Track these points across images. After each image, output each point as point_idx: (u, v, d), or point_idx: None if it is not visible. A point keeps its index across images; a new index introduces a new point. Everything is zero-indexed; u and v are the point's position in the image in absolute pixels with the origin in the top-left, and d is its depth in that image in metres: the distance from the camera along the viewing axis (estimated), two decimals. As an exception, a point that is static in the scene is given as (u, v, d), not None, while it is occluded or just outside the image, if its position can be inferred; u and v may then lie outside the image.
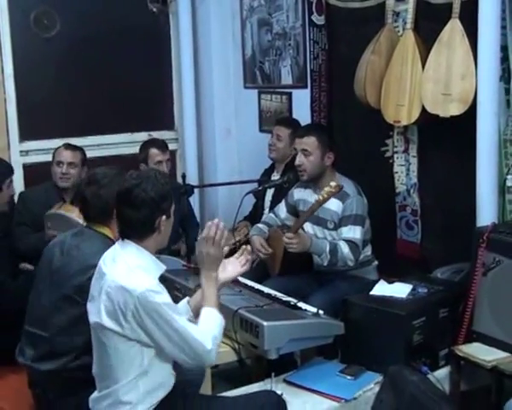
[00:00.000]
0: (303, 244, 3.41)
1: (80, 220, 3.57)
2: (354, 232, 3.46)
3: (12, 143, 4.65)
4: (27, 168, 4.70)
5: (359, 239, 3.47)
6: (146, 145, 4.43)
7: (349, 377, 2.89)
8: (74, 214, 3.72)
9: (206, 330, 2.42)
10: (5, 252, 3.61)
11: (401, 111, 3.52)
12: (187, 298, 2.68)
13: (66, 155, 4.16)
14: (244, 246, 2.76)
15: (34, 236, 3.99)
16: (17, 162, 4.60)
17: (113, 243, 2.59)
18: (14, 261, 3.84)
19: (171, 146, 4.69)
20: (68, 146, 4.22)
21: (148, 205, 2.40)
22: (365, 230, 3.56)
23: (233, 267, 2.67)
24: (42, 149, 4.54)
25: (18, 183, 4.54)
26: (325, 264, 3.45)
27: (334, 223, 3.55)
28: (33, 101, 4.72)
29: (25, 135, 4.70)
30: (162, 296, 2.36)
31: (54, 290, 2.79)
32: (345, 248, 3.43)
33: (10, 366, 3.01)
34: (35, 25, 4.67)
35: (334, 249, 3.42)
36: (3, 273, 3.38)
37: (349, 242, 3.44)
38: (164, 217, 2.44)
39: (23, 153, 4.71)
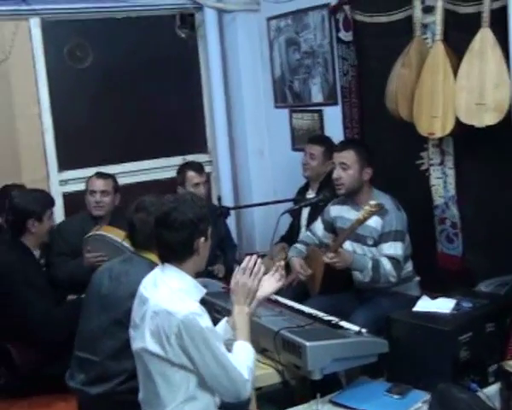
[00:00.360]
0: (344, 261, 3.40)
1: (119, 239, 3.64)
2: (395, 249, 3.44)
3: (51, 173, 4.75)
4: (67, 197, 4.78)
5: (401, 255, 3.45)
6: (183, 168, 4.47)
7: (396, 397, 2.84)
8: (113, 234, 3.78)
9: (241, 361, 2.43)
10: (47, 281, 3.66)
11: (435, 123, 3.49)
12: (225, 318, 2.70)
13: (99, 184, 4.21)
14: (278, 262, 2.77)
15: (72, 263, 4.04)
16: (57, 192, 4.69)
17: None
18: (56, 291, 3.89)
19: (206, 169, 4.73)
20: (100, 175, 4.27)
21: (186, 227, 2.43)
22: (406, 245, 3.53)
23: (268, 284, 2.70)
24: (80, 178, 4.60)
25: (58, 212, 4.64)
26: (367, 280, 3.43)
27: (374, 239, 3.53)
28: (70, 131, 4.81)
29: (63, 165, 4.79)
30: (204, 320, 2.38)
31: (103, 315, 2.84)
32: (387, 265, 3.41)
33: (59, 393, 3.05)
34: (69, 57, 4.76)
35: (376, 266, 3.40)
36: (47, 302, 3.43)
37: (391, 258, 3.42)
38: (202, 239, 2.47)
39: (62, 182, 4.79)
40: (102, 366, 2.79)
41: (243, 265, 2.59)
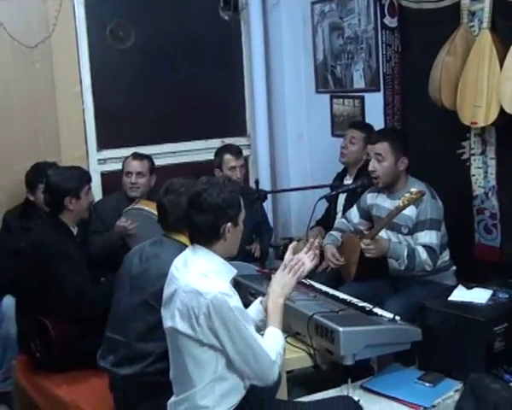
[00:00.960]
0: (381, 249, 3.39)
1: (156, 212, 3.66)
2: (431, 237, 3.41)
3: (90, 152, 4.78)
4: (105, 176, 4.82)
5: (436, 244, 3.42)
6: (221, 151, 4.48)
7: (428, 385, 2.84)
8: (151, 207, 3.81)
9: (271, 344, 2.43)
10: (84, 259, 3.71)
11: (478, 112, 3.45)
12: (260, 298, 2.70)
13: (135, 165, 4.23)
14: (311, 240, 2.76)
15: (102, 235, 4.10)
16: (95, 170, 4.73)
17: None
18: (93, 269, 3.94)
19: (244, 152, 4.73)
20: (136, 156, 4.29)
21: (213, 210, 2.43)
22: (442, 234, 3.50)
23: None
24: (119, 157, 4.62)
25: (96, 190, 4.67)
26: (402, 268, 3.41)
27: (409, 228, 3.51)
28: (110, 111, 4.84)
29: (102, 144, 4.82)
30: (234, 301, 2.38)
31: (132, 297, 2.85)
32: (423, 254, 3.38)
33: (93, 369, 3.09)
34: (111, 37, 4.79)
35: (411, 254, 3.38)
36: (83, 279, 3.46)
37: (427, 247, 3.39)
38: (229, 224, 2.46)
39: (101, 161, 4.82)
40: (130, 348, 2.80)
41: (285, 262, 2.62)
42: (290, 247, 2.73)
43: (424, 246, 3.40)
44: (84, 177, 3.67)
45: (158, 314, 2.60)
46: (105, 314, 3.03)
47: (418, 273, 3.45)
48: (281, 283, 2.57)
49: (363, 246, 3.39)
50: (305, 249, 2.70)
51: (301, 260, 2.63)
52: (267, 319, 2.54)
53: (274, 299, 2.55)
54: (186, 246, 2.73)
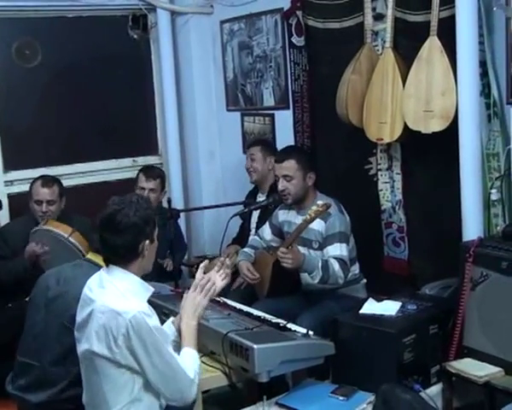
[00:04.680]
0: (297, 260, 3.36)
1: (65, 234, 3.56)
2: (341, 250, 3.46)
3: (-4, 174, 4.63)
4: (12, 198, 4.67)
5: (346, 256, 3.47)
6: (140, 169, 4.50)
7: (341, 398, 2.86)
8: (60, 229, 3.74)
9: (188, 363, 2.44)
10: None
11: (383, 129, 3.54)
12: (171, 318, 2.70)
13: (44, 194, 4.06)
14: (222, 258, 2.77)
15: (12, 261, 3.95)
16: (1, 193, 4.58)
17: None
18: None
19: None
20: (45, 183, 4.09)
21: (131, 230, 2.40)
22: (350, 247, 3.57)
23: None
24: (27, 179, 4.47)
25: (3, 213, 4.53)
26: (316, 281, 3.41)
27: (319, 242, 3.56)
28: (17, 131, 4.70)
29: (9, 165, 4.68)
30: (153, 320, 2.37)
31: (49, 320, 2.78)
32: (335, 265, 3.41)
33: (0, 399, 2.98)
34: (17, 56, 4.66)
35: (325, 266, 3.40)
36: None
37: (338, 259, 3.44)
38: (147, 241, 2.45)
39: (7, 183, 4.68)
40: (43, 372, 2.73)
41: (196, 281, 2.61)
42: (201, 266, 2.72)
43: (335, 258, 3.44)
44: None
45: (73, 337, 2.54)
46: (11, 342, 2.93)
47: (330, 287, 3.49)
48: (193, 304, 2.57)
49: (279, 254, 3.35)
50: (216, 268, 2.70)
51: (212, 279, 2.63)
52: (181, 341, 2.53)
53: (187, 321, 2.55)
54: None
